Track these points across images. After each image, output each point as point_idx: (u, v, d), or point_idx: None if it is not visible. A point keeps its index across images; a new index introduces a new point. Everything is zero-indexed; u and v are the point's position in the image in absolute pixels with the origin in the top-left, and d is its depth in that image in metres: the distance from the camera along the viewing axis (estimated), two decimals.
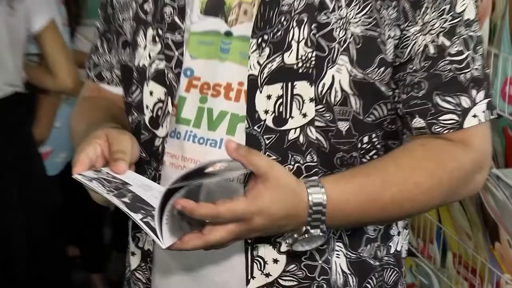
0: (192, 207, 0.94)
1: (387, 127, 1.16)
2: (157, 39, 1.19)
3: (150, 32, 1.20)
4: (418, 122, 1.12)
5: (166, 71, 1.18)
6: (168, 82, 1.17)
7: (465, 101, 1.11)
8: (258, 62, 1.13)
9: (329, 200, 1.00)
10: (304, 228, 1.00)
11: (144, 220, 0.97)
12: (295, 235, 1.02)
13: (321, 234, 1.02)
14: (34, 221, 2.27)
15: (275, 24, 1.13)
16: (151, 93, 1.19)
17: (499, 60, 1.54)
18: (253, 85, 1.13)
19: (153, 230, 0.95)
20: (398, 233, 1.22)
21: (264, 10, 1.13)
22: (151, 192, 1.04)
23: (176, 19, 1.18)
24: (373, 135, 1.15)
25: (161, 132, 1.18)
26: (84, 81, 1.40)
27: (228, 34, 1.16)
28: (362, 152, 1.15)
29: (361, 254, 1.14)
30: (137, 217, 0.97)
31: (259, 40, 1.13)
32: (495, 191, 1.56)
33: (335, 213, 1.01)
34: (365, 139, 1.14)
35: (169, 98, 1.17)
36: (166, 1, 1.19)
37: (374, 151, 1.15)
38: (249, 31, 1.14)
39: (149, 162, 1.17)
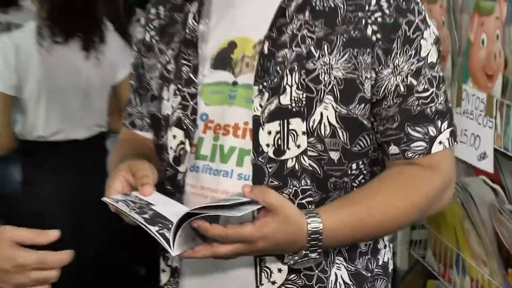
0: (206, 226, 1.06)
1: (372, 155, 1.28)
2: (177, 92, 1.33)
3: (172, 87, 1.34)
4: (393, 149, 1.25)
5: (183, 118, 1.31)
6: (185, 127, 1.31)
7: (431, 131, 1.23)
8: (260, 105, 1.25)
9: (324, 228, 1.12)
10: (303, 252, 1.13)
11: (160, 231, 1.08)
12: (296, 257, 1.14)
13: (317, 256, 1.15)
14: (109, 244, 2.41)
15: (272, 73, 1.26)
16: (174, 136, 1.33)
17: (511, 110, 1.61)
18: (257, 124, 1.26)
19: (166, 240, 1.07)
20: (385, 246, 1.35)
21: (263, 62, 1.26)
22: (173, 210, 1.14)
23: (191, 75, 1.32)
24: (360, 162, 1.26)
25: (182, 168, 1.30)
26: (122, 127, 1.53)
27: (235, 83, 1.30)
28: (352, 177, 1.26)
29: (357, 266, 1.28)
30: (153, 229, 1.08)
31: (260, 87, 1.26)
32: (508, 224, 1.60)
33: (329, 239, 1.14)
34: (354, 166, 1.26)
35: (187, 140, 1.31)
36: (183, 61, 1.33)
37: (361, 176, 1.27)
38: (251, 80, 1.27)
39: (173, 193, 1.29)
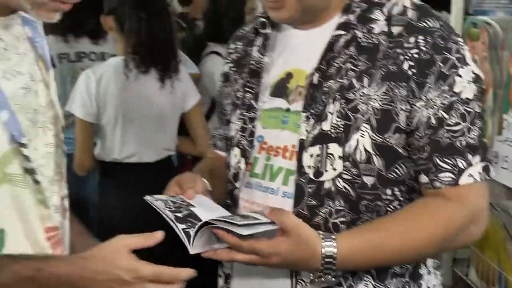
0: (223, 234, 1.15)
1: (409, 183, 1.30)
2: (240, 117, 1.42)
3: (238, 112, 1.43)
4: (423, 178, 1.27)
5: (241, 139, 1.41)
6: (242, 147, 1.40)
7: (460, 163, 1.23)
8: (306, 130, 1.32)
9: (339, 253, 1.17)
10: (318, 273, 1.18)
11: (186, 230, 1.15)
12: (311, 276, 1.21)
13: (333, 279, 1.20)
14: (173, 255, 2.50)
15: (318, 102, 1.32)
16: (234, 156, 1.42)
17: None
18: (302, 147, 1.32)
19: (188, 237, 1.14)
20: (429, 273, 1.35)
21: (311, 92, 1.33)
22: (211, 214, 1.21)
23: (252, 102, 1.41)
24: (396, 189, 1.29)
25: (238, 184, 1.39)
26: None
27: (288, 110, 1.37)
28: (386, 202, 1.28)
29: (389, 286, 1.30)
30: (180, 226, 1.15)
31: (308, 113, 1.32)
32: None
33: (344, 263, 1.19)
34: (388, 191, 1.28)
35: (243, 159, 1.40)
36: (247, 89, 1.43)
37: (397, 202, 1.29)
38: (300, 107, 1.34)
39: (231, 207, 1.37)
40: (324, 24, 1.36)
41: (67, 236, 1.37)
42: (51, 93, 1.32)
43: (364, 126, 1.29)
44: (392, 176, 1.28)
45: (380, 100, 1.29)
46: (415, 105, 1.27)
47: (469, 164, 1.25)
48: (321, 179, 1.30)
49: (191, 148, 2.72)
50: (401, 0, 1.34)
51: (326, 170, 1.30)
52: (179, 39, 3.20)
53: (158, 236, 1.16)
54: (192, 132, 2.69)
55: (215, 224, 1.17)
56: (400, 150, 1.28)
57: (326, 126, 1.31)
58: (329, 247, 1.18)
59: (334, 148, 1.30)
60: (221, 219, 1.18)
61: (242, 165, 1.40)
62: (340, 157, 1.29)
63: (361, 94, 1.30)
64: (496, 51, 1.83)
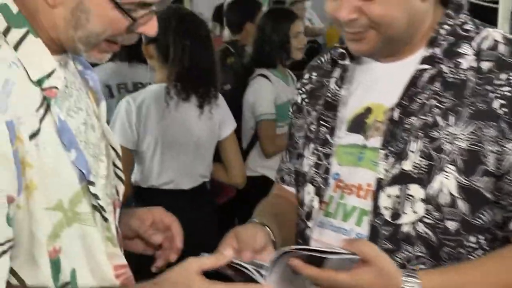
0: (301, 265, 1.09)
1: (495, 231, 1.22)
2: (314, 151, 1.36)
3: (311, 146, 1.38)
4: None
5: (316, 176, 1.34)
6: (317, 185, 1.34)
7: None
8: (384, 169, 1.25)
9: None
10: None
11: (254, 268, 1.13)
12: None
13: None
14: None
15: (398, 139, 1.26)
16: (308, 193, 1.36)
17: None
18: (379, 186, 1.25)
19: (258, 272, 1.12)
20: None
21: (391, 128, 1.27)
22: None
23: (328, 136, 1.35)
24: (480, 236, 1.21)
25: (311, 223, 1.34)
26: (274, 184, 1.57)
27: (364, 146, 1.31)
28: (469, 250, 1.20)
29: None
30: (249, 266, 1.13)
31: (387, 151, 1.26)
32: None
33: None
34: (472, 239, 1.20)
35: (317, 198, 1.33)
36: (322, 122, 1.37)
37: (481, 251, 1.21)
38: (378, 144, 1.28)
39: (301, 245, 1.30)
40: (407, 58, 1.31)
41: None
42: (102, 124, 1.33)
43: (448, 167, 1.22)
44: (478, 222, 1.21)
45: (467, 140, 1.22)
46: (506, 147, 1.19)
47: None
48: (398, 221, 1.24)
49: (225, 176, 2.73)
50: (492, 34, 1.27)
51: (405, 213, 1.24)
52: (229, 64, 3.33)
53: (228, 254, 1.18)
54: (226, 160, 2.71)
55: (295, 251, 1.13)
56: (488, 195, 1.20)
57: (407, 165, 1.24)
58: (411, 283, 1.12)
59: (415, 190, 1.23)
60: (300, 247, 1.15)
61: (316, 204, 1.34)
62: (422, 199, 1.23)
63: (447, 133, 1.23)
64: None
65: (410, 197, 1.23)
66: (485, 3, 2.79)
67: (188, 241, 2.37)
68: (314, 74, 1.46)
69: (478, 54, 1.26)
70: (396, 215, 1.24)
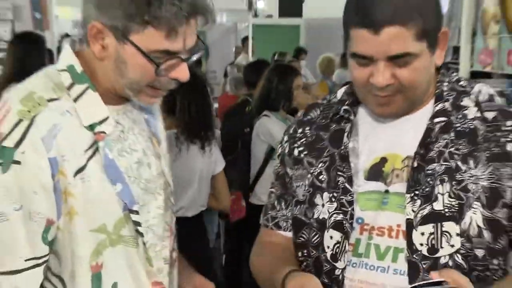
0: None
1: (508, 252, 1.28)
2: (333, 199, 1.33)
3: (326, 194, 1.34)
4: None
5: (343, 222, 1.31)
6: (345, 229, 1.31)
7: None
8: (412, 210, 1.27)
9: None
10: None
11: None
12: None
13: None
14: None
15: (423, 183, 1.27)
16: (331, 237, 1.32)
17: None
18: (410, 226, 1.26)
19: None
20: None
21: (414, 174, 1.28)
22: None
23: (347, 185, 1.32)
24: (501, 259, 1.25)
25: (340, 264, 1.30)
26: (261, 229, 1.49)
27: (386, 191, 1.31)
28: (493, 271, 1.25)
29: None
30: None
31: (412, 194, 1.27)
32: None
33: None
34: (495, 261, 1.25)
35: (346, 241, 1.30)
36: (339, 173, 1.34)
37: (501, 271, 1.26)
38: (401, 189, 1.29)
39: (330, 286, 1.29)
40: (416, 112, 1.33)
41: (175, 283, 1.45)
42: (162, 164, 1.40)
43: (475, 204, 1.27)
44: (498, 246, 1.27)
45: (488, 179, 1.27)
46: None
47: None
48: (437, 255, 1.27)
49: (215, 204, 2.97)
50: (483, 88, 1.35)
51: (441, 247, 1.26)
52: (247, 112, 3.72)
53: None
54: (216, 191, 2.92)
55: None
56: (505, 223, 1.27)
57: (438, 206, 1.27)
58: None
59: (450, 226, 1.27)
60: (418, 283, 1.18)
61: (346, 246, 1.31)
62: (457, 234, 1.26)
63: (470, 175, 1.28)
64: None
65: (446, 233, 1.27)
66: (447, 63, 2.80)
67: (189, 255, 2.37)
68: (307, 128, 1.43)
69: (479, 106, 1.32)
70: (433, 249, 1.27)
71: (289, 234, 1.42)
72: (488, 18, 1.93)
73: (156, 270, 1.34)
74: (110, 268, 1.27)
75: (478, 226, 1.24)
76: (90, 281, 1.25)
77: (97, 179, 1.23)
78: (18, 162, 1.15)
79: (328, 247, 1.33)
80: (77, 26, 9.68)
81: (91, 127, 1.23)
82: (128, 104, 1.33)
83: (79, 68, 1.26)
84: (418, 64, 1.23)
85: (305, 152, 1.40)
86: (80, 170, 1.21)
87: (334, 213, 1.33)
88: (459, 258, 1.25)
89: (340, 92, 1.44)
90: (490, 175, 1.27)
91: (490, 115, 1.31)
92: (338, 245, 1.31)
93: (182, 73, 1.24)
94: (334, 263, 1.32)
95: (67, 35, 7.73)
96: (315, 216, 1.35)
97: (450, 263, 1.25)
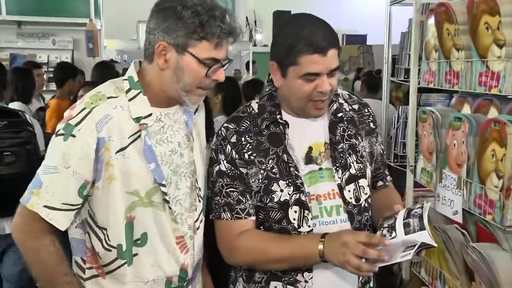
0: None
1: (373, 182, 1.52)
2: (290, 184, 1.35)
3: (282, 182, 1.35)
4: (379, 183, 1.57)
5: (301, 198, 1.35)
6: (304, 203, 1.35)
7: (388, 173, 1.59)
8: (338, 177, 1.38)
9: None
10: None
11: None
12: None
13: None
14: None
15: (338, 158, 1.38)
16: (295, 211, 1.35)
17: (472, 185, 1.61)
18: (341, 188, 1.38)
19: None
20: None
21: (332, 153, 1.39)
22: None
23: (296, 172, 1.36)
24: (368, 184, 1.45)
25: (305, 229, 1.35)
26: (229, 223, 1.38)
27: (320, 169, 1.39)
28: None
29: None
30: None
31: (336, 167, 1.38)
32: (471, 254, 1.62)
33: None
34: (369, 187, 1.46)
35: (306, 210, 1.35)
36: (290, 165, 1.36)
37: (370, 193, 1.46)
38: (329, 165, 1.38)
39: None
40: None
41: (198, 244, 1.43)
42: (194, 155, 1.40)
43: (368, 163, 1.44)
44: (371, 181, 1.49)
45: (368, 147, 1.47)
46: (376, 144, 1.50)
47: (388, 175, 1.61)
48: (360, 202, 1.40)
49: None
50: (341, 91, 1.51)
51: (361, 196, 1.40)
52: None
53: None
54: None
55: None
56: (372, 168, 1.50)
57: (353, 170, 1.39)
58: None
59: (363, 182, 1.41)
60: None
61: (306, 214, 1.35)
62: (367, 185, 1.42)
63: (362, 146, 1.44)
64: (437, 129, 1.86)
65: (362, 187, 1.40)
66: (401, 81, 2.84)
67: None
68: (247, 136, 1.39)
69: (347, 102, 1.48)
70: (357, 199, 1.39)
71: (255, 218, 1.40)
72: (430, 47, 1.95)
73: (180, 229, 1.36)
74: (140, 220, 1.31)
75: (371, 177, 1.46)
76: (124, 228, 1.30)
77: (135, 157, 1.28)
78: (74, 136, 1.24)
79: (294, 219, 1.35)
80: (120, 53, 9.69)
81: (137, 119, 1.28)
82: (172, 108, 1.37)
83: (136, 78, 1.33)
84: (337, 75, 1.35)
85: (254, 154, 1.37)
86: (122, 149, 1.27)
87: (294, 194, 1.35)
88: (368, 199, 1.41)
89: (255, 106, 1.44)
90: (368, 144, 1.45)
91: (355, 106, 1.48)
92: (300, 215, 1.35)
93: (221, 75, 1.31)
94: (299, 230, 1.36)
95: (112, 61, 7.75)
96: (276, 200, 1.35)
97: (366, 204, 1.40)
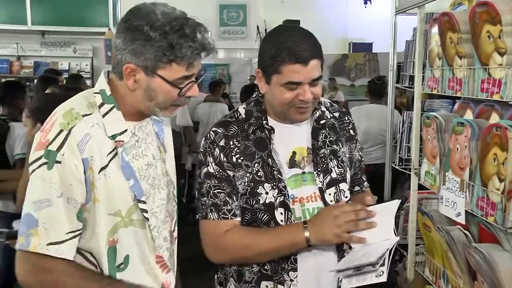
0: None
1: (350, 188, 1.49)
2: (274, 187, 1.35)
3: (267, 185, 1.35)
4: (356, 188, 1.56)
5: (285, 200, 1.35)
6: (287, 205, 1.35)
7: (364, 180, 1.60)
8: (319, 181, 1.37)
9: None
10: None
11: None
12: None
13: None
14: None
15: (320, 163, 1.38)
16: (281, 213, 1.36)
17: (475, 188, 1.59)
18: (321, 191, 1.38)
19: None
20: None
21: (314, 158, 1.39)
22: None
23: (279, 176, 1.36)
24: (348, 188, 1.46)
25: None
26: (214, 223, 1.37)
27: (303, 173, 1.39)
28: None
29: None
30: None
31: (317, 171, 1.38)
32: (474, 255, 1.60)
33: None
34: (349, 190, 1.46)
35: (289, 212, 1.35)
36: (273, 168, 1.36)
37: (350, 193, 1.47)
38: (311, 169, 1.38)
39: None
40: None
41: (175, 256, 1.39)
42: (166, 166, 1.35)
43: (348, 168, 1.45)
44: (351, 184, 1.51)
45: (348, 153, 1.47)
46: (355, 150, 1.51)
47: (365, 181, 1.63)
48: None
49: None
50: (324, 100, 1.52)
51: (341, 199, 1.41)
52: None
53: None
54: None
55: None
56: (352, 173, 1.51)
57: (334, 175, 1.40)
58: None
59: (343, 185, 1.42)
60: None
61: (290, 216, 1.36)
62: (348, 189, 1.43)
63: (342, 152, 1.44)
64: (441, 133, 1.85)
65: (342, 190, 1.41)
66: (405, 87, 2.83)
67: None
68: (235, 140, 1.39)
69: (328, 110, 1.49)
70: (337, 202, 1.40)
71: (240, 219, 1.39)
72: (433, 55, 1.94)
73: (157, 246, 1.29)
74: (122, 243, 1.22)
75: (348, 179, 1.46)
76: (107, 253, 1.21)
77: (115, 176, 1.19)
78: (59, 162, 1.13)
79: (282, 220, 1.35)
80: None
81: (113, 137, 1.19)
82: (144, 120, 1.29)
83: (108, 92, 1.22)
84: (320, 84, 1.34)
85: (241, 158, 1.37)
86: (103, 168, 1.18)
87: (278, 196, 1.34)
88: (348, 202, 1.40)
89: (242, 111, 1.44)
90: (348, 150, 1.46)
91: (336, 114, 1.49)
92: (286, 216, 1.34)
93: (195, 91, 1.22)
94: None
95: None
96: (261, 202, 1.34)
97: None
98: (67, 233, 1.15)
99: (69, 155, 1.13)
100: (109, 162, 1.19)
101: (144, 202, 1.23)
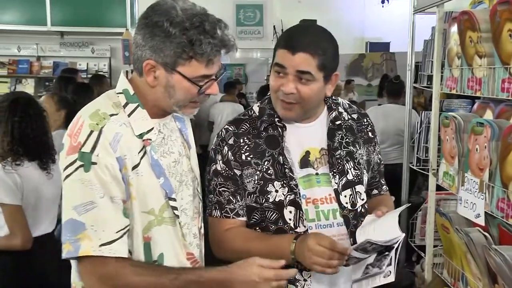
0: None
1: (368, 191, 1.48)
2: (284, 185, 1.34)
3: (277, 183, 1.34)
4: (374, 191, 1.54)
5: (296, 199, 1.34)
6: (298, 204, 1.34)
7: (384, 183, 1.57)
8: (335, 183, 1.36)
9: None
10: None
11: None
12: None
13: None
14: None
15: (336, 164, 1.37)
16: (290, 212, 1.34)
17: (494, 189, 1.59)
18: (337, 193, 1.36)
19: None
20: None
21: (330, 159, 1.37)
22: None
23: (291, 174, 1.35)
24: (365, 191, 1.44)
25: (301, 229, 1.34)
26: (218, 220, 1.38)
27: (317, 174, 1.37)
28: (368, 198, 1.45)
29: None
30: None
31: (333, 173, 1.37)
32: (494, 257, 1.58)
33: None
34: (367, 196, 1.45)
35: (300, 211, 1.34)
36: (286, 167, 1.35)
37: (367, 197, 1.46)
38: (325, 170, 1.37)
39: None
40: (315, 120, 1.42)
41: (203, 252, 1.38)
42: (191, 163, 1.35)
43: (365, 170, 1.43)
44: (367, 188, 1.48)
45: (366, 155, 1.45)
46: (374, 153, 1.49)
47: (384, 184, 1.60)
48: (356, 207, 1.39)
49: None
50: (342, 101, 1.50)
51: (357, 202, 1.39)
52: None
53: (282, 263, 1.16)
54: None
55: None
56: (369, 176, 1.48)
57: (350, 176, 1.38)
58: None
59: (359, 188, 1.40)
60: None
61: (302, 215, 1.34)
62: (364, 191, 1.42)
63: (359, 154, 1.42)
64: (459, 133, 1.84)
65: (358, 192, 1.39)
66: (424, 87, 2.80)
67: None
68: (245, 138, 1.39)
69: (346, 111, 1.47)
70: (353, 204, 1.38)
71: (244, 218, 1.39)
72: (452, 54, 1.93)
73: (188, 243, 1.29)
74: (156, 241, 1.21)
75: (366, 182, 1.44)
76: (143, 249, 1.20)
77: (146, 174, 1.19)
78: (95, 163, 1.11)
79: (290, 219, 1.34)
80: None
81: (140, 136, 1.19)
82: (167, 117, 1.28)
83: (131, 91, 1.21)
84: (314, 86, 1.30)
85: (251, 156, 1.36)
86: (136, 166, 1.17)
87: (288, 195, 1.33)
88: (364, 205, 1.40)
89: (256, 109, 1.44)
90: (366, 152, 1.43)
91: (355, 115, 1.47)
92: (296, 216, 1.33)
93: (215, 89, 1.21)
94: (296, 230, 1.34)
95: None
96: (271, 200, 1.34)
97: (363, 210, 1.39)
98: (116, 232, 1.14)
99: (104, 155, 1.12)
100: (140, 160, 1.19)
101: (175, 200, 1.23)
